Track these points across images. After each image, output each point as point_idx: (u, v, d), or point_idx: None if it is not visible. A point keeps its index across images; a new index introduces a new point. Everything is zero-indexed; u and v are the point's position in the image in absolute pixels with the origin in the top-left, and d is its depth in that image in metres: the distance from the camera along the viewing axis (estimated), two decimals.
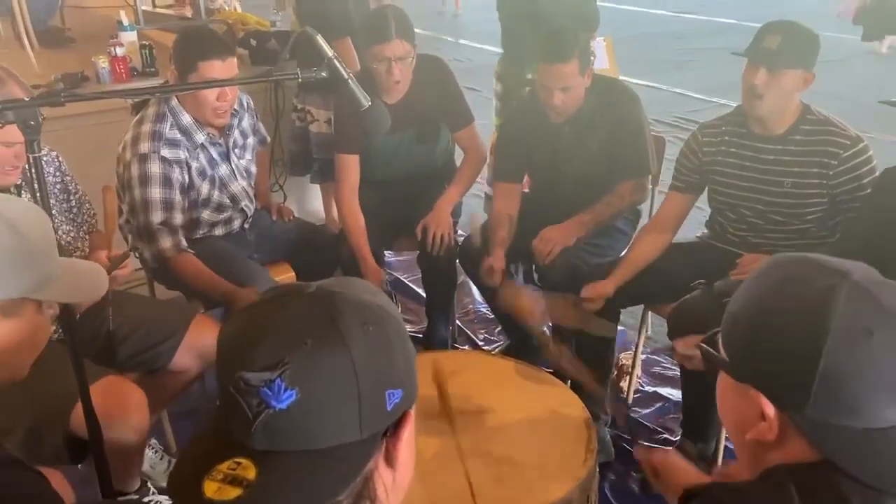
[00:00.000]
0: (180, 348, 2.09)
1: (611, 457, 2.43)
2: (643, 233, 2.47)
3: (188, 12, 4.63)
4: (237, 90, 2.39)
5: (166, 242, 2.27)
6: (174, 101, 2.31)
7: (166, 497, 2.14)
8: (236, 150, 2.49)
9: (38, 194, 1.41)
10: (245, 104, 2.56)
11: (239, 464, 0.69)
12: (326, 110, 3.20)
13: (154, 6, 4.91)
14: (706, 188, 2.35)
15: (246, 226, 2.62)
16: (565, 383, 2.04)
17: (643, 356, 2.85)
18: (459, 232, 2.99)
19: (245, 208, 2.56)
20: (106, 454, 1.59)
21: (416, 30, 2.60)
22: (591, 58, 2.49)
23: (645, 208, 2.74)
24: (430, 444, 1.69)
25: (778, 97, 2.08)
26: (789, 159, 2.14)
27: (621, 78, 3.13)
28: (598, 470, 1.74)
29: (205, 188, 2.39)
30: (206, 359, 2.13)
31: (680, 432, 2.42)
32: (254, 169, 2.59)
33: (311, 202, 3.88)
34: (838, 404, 0.84)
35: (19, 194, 1.94)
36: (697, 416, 2.29)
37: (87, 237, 2.20)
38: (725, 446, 2.31)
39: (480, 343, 3.13)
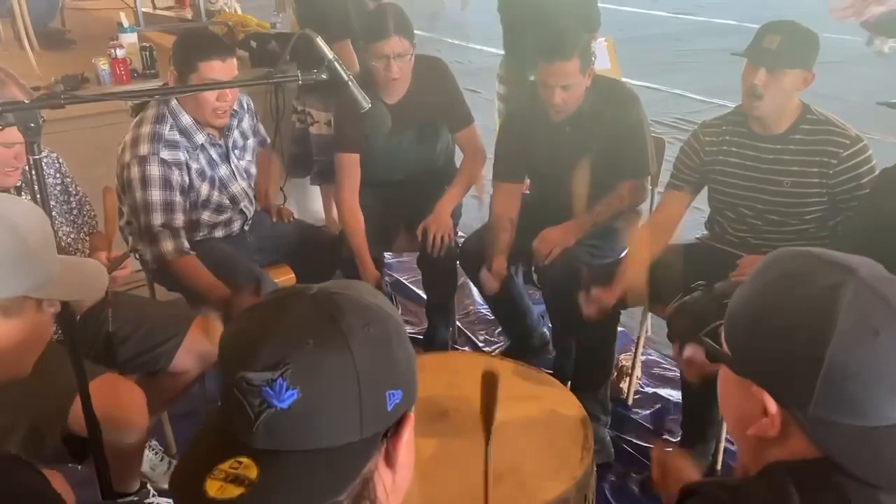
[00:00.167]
0: (180, 350, 2.09)
1: (610, 458, 2.43)
2: (641, 233, 2.47)
3: (188, 14, 4.64)
4: (237, 91, 2.40)
5: (168, 245, 2.27)
6: (174, 103, 2.31)
7: (166, 499, 2.14)
8: (236, 151, 2.49)
9: (38, 196, 1.41)
10: (245, 105, 2.57)
11: (241, 463, 0.70)
12: (326, 112, 3.20)
13: (154, 8, 4.92)
14: (705, 188, 2.36)
15: (246, 227, 2.62)
16: (564, 384, 2.04)
17: (643, 357, 2.85)
18: (459, 233, 3.00)
19: (245, 209, 2.56)
20: (105, 455, 1.59)
21: (417, 31, 2.61)
22: (592, 58, 2.50)
23: (644, 209, 2.74)
24: (429, 445, 1.70)
25: (778, 97, 2.08)
26: (789, 158, 2.14)
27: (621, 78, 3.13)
28: (596, 470, 1.74)
29: (204, 189, 2.39)
30: (207, 360, 2.13)
31: (680, 433, 2.42)
32: (254, 170, 2.59)
33: (311, 204, 3.88)
34: (841, 403, 0.84)
35: (19, 195, 1.94)
36: (697, 418, 2.29)
37: (87, 238, 2.20)
38: (725, 447, 2.31)
39: (481, 344, 3.13)
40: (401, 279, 3.62)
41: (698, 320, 1.39)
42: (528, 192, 2.89)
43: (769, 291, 0.90)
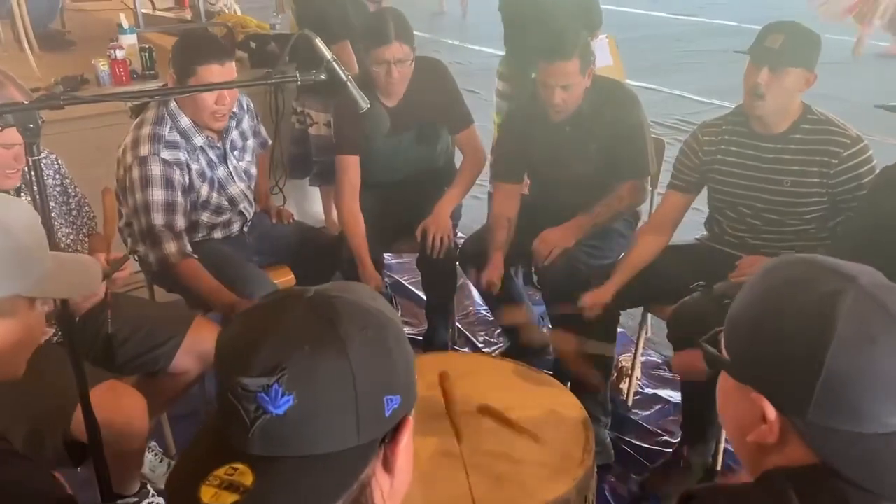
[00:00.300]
0: (180, 350, 2.09)
1: (611, 459, 2.43)
2: (640, 234, 2.47)
3: (188, 15, 4.64)
4: (236, 93, 2.40)
5: (171, 247, 2.26)
6: (173, 104, 2.31)
7: (165, 500, 2.14)
8: (235, 153, 2.48)
9: (37, 197, 1.41)
10: (245, 106, 2.56)
11: (236, 469, 0.69)
12: (325, 113, 3.20)
13: (154, 9, 4.91)
14: (705, 188, 2.36)
15: (245, 229, 2.61)
16: (565, 385, 2.04)
17: (643, 358, 2.85)
18: (459, 234, 2.99)
19: (244, 210, 2.55)
20: (105, 457, 1.59)
21: (416, 32, 2.61)
22: (592, 59, 2.50)
23: (644, 210, 2.73)
24: (429, 445, 1.69)
25: (780, 96, 2.08)
26: (790, 158, 2.14)
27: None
28: (596, 471, 1.74)
29: (204, 190, 2.39)
30: (206, 361, 2.13)
31: (680, 434, 2.42)
32: (254, 171, 2.59)
33: (310, 205, 3.88)
34: (840, 410, 0.83)
35: (19, 196, 1.94)
36: (697, 418, 2.29)
37: (86, 240, 2.20)
38: (725, 449, 2.31)
39: (480, 345, 3.13)
40: (400, 280, 3.62)
41: (698, 321, 1.39)
42: (526, 192, 2.89)
43: (770, 297, 0.90)
